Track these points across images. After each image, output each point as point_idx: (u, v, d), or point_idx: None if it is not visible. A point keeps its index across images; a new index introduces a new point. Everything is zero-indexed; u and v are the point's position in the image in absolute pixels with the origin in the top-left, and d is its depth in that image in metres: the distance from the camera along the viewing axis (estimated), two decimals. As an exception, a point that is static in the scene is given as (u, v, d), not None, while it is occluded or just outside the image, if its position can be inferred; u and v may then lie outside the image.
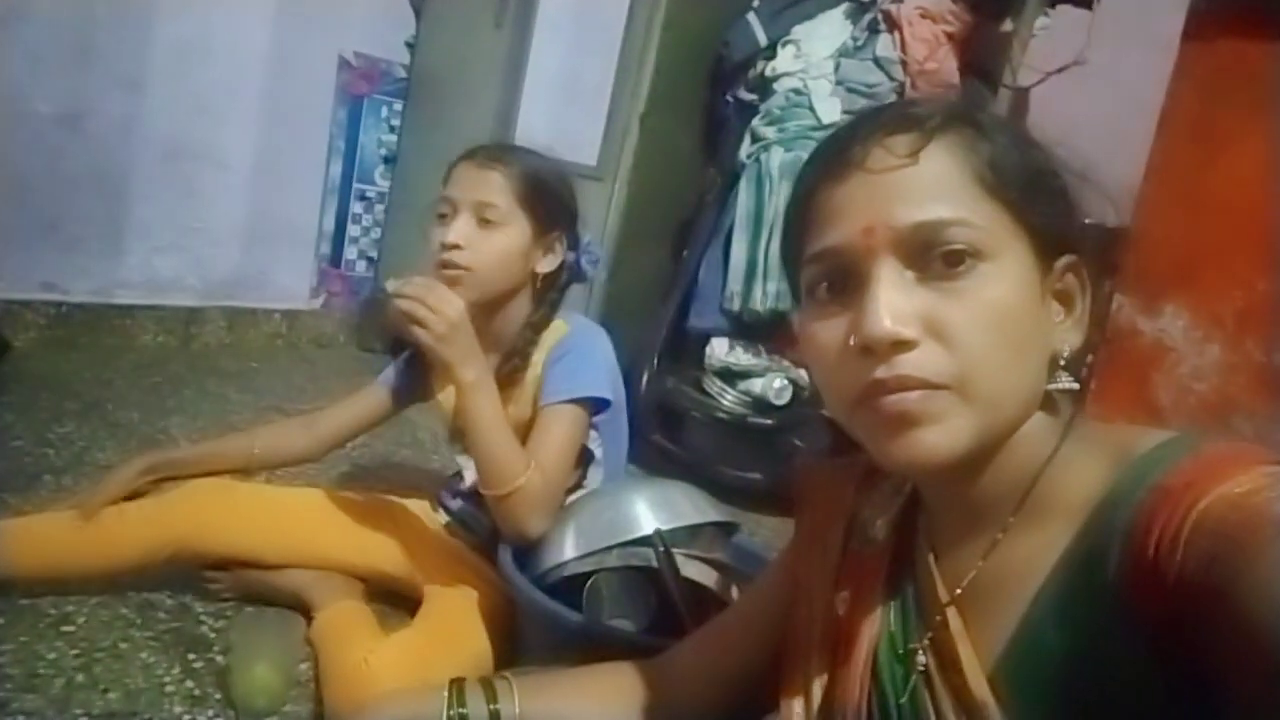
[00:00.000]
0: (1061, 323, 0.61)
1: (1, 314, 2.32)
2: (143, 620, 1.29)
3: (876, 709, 0.66)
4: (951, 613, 0.63)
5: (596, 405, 1.33)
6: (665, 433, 2.27)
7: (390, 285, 1.22)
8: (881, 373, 0.57)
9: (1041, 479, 0.60)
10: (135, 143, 2.50)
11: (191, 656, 1.24)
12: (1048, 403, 0.61)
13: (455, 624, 1.26)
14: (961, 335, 0.56)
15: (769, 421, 2.21)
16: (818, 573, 0.74)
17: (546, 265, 1.37)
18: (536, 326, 1.38)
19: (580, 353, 1.36)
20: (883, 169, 0.59)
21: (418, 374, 1.48)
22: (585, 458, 1.39)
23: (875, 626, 0.68)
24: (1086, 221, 0.62)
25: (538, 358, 1.37)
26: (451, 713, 0.81)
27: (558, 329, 1.39)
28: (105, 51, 2.38)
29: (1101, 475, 0.56)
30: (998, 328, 0.57)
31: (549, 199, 1.35)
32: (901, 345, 0.56)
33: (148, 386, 2.31)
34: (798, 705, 0.71)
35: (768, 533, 1.94)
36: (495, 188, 1.31)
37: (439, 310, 1.18)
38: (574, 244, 1.41)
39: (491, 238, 1.30)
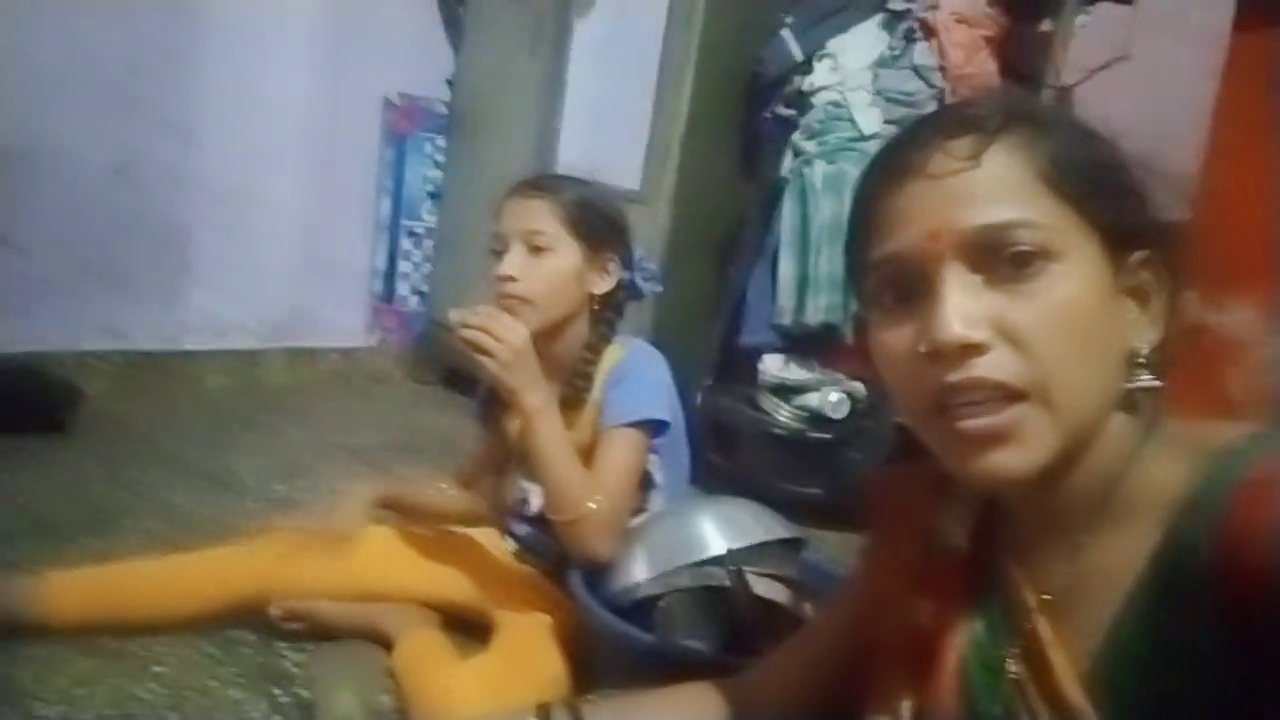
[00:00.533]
0: (1137, 319, 0.60)
1: (74, 364, 2.40)
2: (228, 658, 1.33)
3: (969, 717, 0.65)
4: (1041, 620, 0.62)
5: (656, 427, 1.35)
6: (721, 451, 2.27)
7: (454, 316, 1.25)
8: (953, 377, 0.56)
9: (1124, 479, 0.59)
10: (190, 190, 2.58)
11: (276, 691, 1.26)
12: (1127, 401, 0.60)
13: (531, 649, 1.28)
14: (1034, 337, 0.56)
15: (827, 436, 2.20)
16: (897, 584, 0.73)
17: (602, 286, 1.39)
18: (595, 348, 1.40)
19: (638, 375, 1.38)
20: (944, 173, 0.58)
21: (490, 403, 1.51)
22: (645, 481, 1.40)
23: (962, 636, 0.67)
24: (1157, 215, 0.61)
25: (597, 381, 1.39)
26: None
27: (615, 353, 1.41)
28: (156, 101, 2.46)
29: (1184, 472, 0.56)
30: (1071, 328, 0.56)
31: (595, 220, 1.38)
32: (972, 349, 0.56)
33: (215, 427, 2.37)
34: (883, 715, 0.71)
35: (831, 548, 1.92)
36: (541, 215, 1.34)
37: (503, 339, 1.21)
38: (628, 262, 1.43)
39: (543, 264, 1.33)
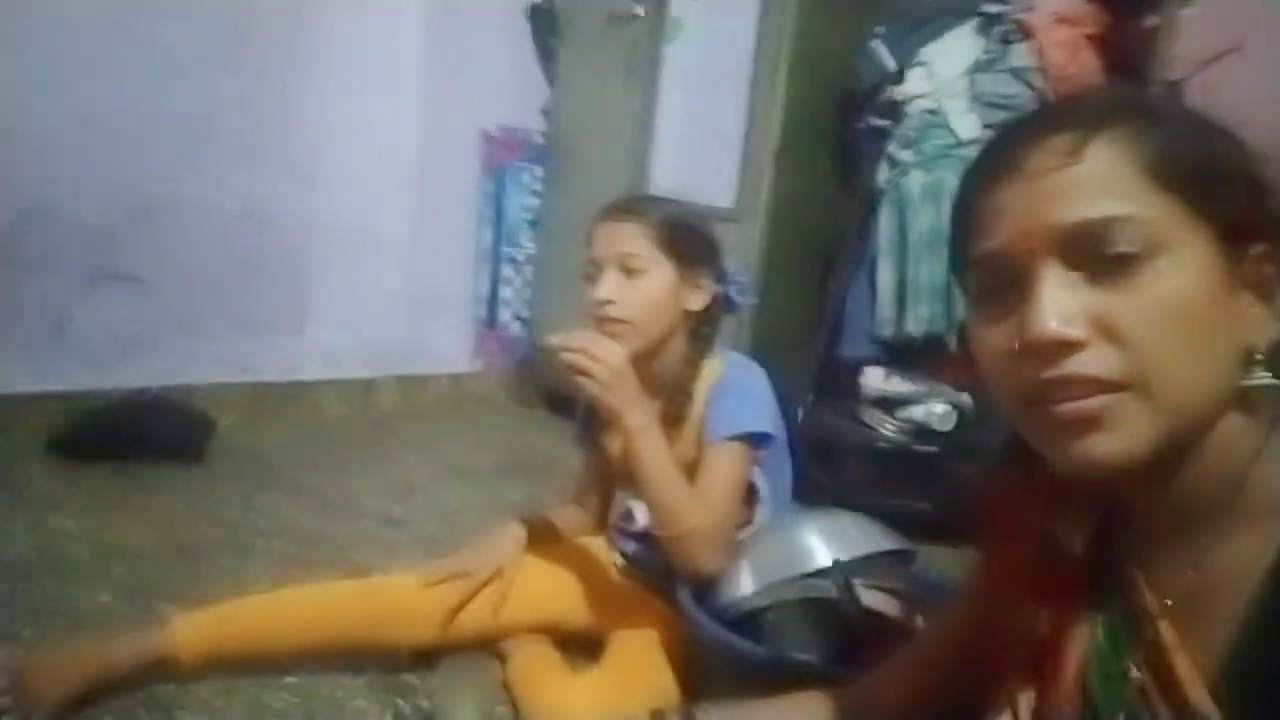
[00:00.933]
0: (1257, 315, 0.58)
1: (207, 397, 2.56)
2: (353, 669, 1.39)
3: None
4: (1164, 626, 0.60)
5: (760, 440, 1.35)
6: (825, 466, 2.25)
7: (554, 340, 1.28)
8: (1049, 374, 0.57)
9: (1247, 481, 0.57)
10: (308, 230, 2.74)
11: (400, 702, 1.32)
12: (1247, 401, 0.58)
13: (641, 663, 1.30)
14: (1135, 332, 0.55)
15: (933, 448, 2.16)
16: (1013, 591, 0.72)
17: (697, 302, 1.41)
18: (694, 363, 1.41)
19: (740, 389, 1.38)
20: (1042, 170, 0.58)
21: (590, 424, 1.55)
22: (750, 494, 1.40)
23: (1082, 643, 0.66)
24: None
25: (697, 396, 1.40)
26: None
27: (714, 367, 1.43)
28: (277, 149, 2.63)
29: None
30: (1175, 322, 0.55)
31: (686, 237, 1.39)
32: (1068, 346, 0.56)
33: (335, 454, 2.49)
34: None
35: (940, 564, 1.87)
36: (633, 237, 1.36)
37: (603, 360, 1.24)
38: (720, 277, 1.45)
39: (638, 285, 1.35)
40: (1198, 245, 0.56)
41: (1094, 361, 0.56)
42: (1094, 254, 0.56)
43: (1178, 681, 0.58)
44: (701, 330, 1.43)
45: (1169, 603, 0.61)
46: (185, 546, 1.79)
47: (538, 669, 1.33)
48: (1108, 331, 0.56)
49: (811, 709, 0.86)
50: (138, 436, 2.24)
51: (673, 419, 1.39)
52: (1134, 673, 0.62)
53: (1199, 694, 0.57)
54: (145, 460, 2.19)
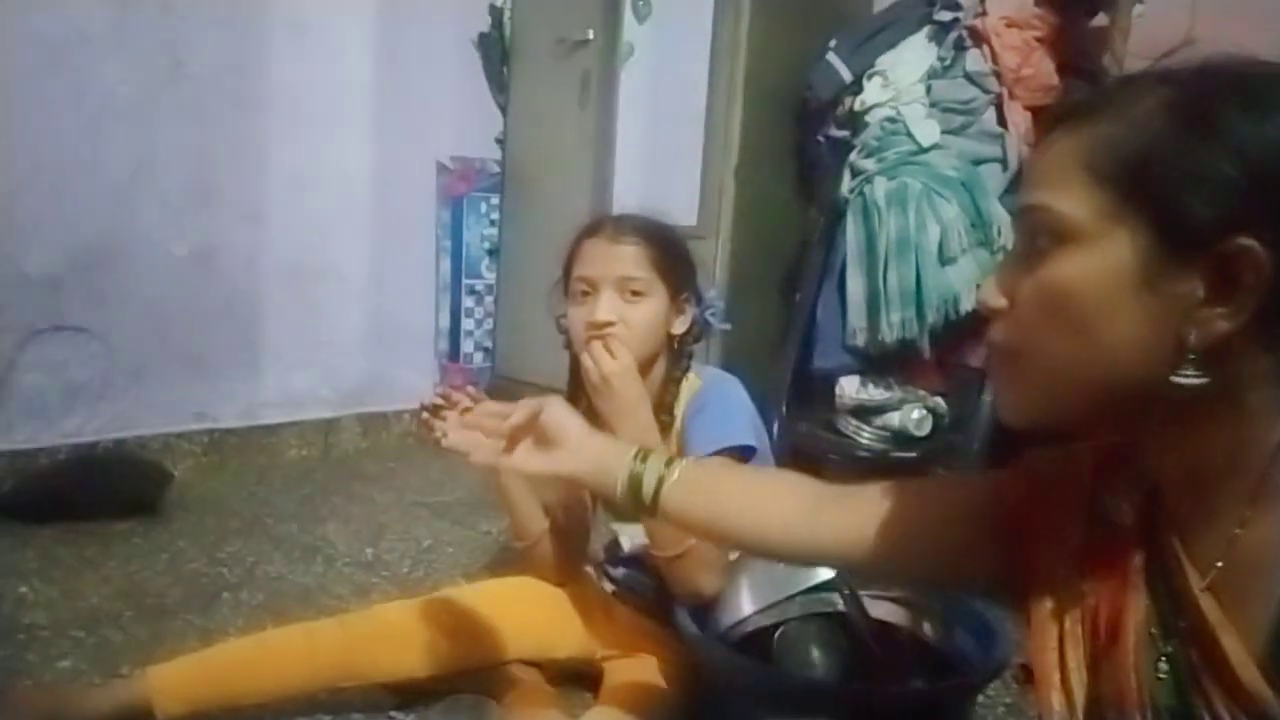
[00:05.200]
0: (1197, 310, 0.56)
1: (161, 447, 2.46)
2: (338, 721, 1.32)
3: (1144, 701, 0.62)
4: (1208, 602, 0.59)
5: (742, 453, 1.32)
6: (804, 480, 2.22)
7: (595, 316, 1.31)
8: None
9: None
10: (261, 270, 2.65)
11: (389, 754, 1.25)
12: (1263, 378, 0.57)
13: (643, 693, 1.25)
14: (1022, 309, 0.63)
15: (912, 454, 2.14)
16: (1060, 561, 0.71)
17: (680, 326, 1.39)
18: (676, 381, 1.40)
19: (718, 402, 1.37)
20: (1029, 159, 0.68)
21: None
22: None
23: (1140, 612, 0.64)
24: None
25: (677, 413, 1.38)
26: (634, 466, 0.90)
27: (692, 383, 1.41)
28: (227, 190, 2.55)
29: None
30: (1057, 305, 0.60)
31: (679, 262, 1.39)
32: (991, 313, 0.66)
33: (300, 498, 2.40)
34: (1056, 700, 0.68)
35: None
36: (635, 260, 1.33)
37: (598, 360, 1.26)
38: (698, 300, 1.43)
39: (639, 309, 1.33)
40: (1120, 237, 0.58)
41: (998, 329, 0.65)
42: (1026, 235, 0.64)
43: (1225, 658, 0.57)
44: (683, 352, 1.41)
45: (1209, 579, 0.60)
46: (147, 604, 1.70)
47: (532, 707, 1.27)
48: (1012, 305, 0.64)
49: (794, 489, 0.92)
50: (88, 492, 2.14)
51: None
52: (1179, 649, 0.61)
53: (1247, 670, 0.56)
54: (98, 517, 2.09)
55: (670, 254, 1.37)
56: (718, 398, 1.38)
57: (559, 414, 0.95)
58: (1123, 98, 0.61)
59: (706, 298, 1.46)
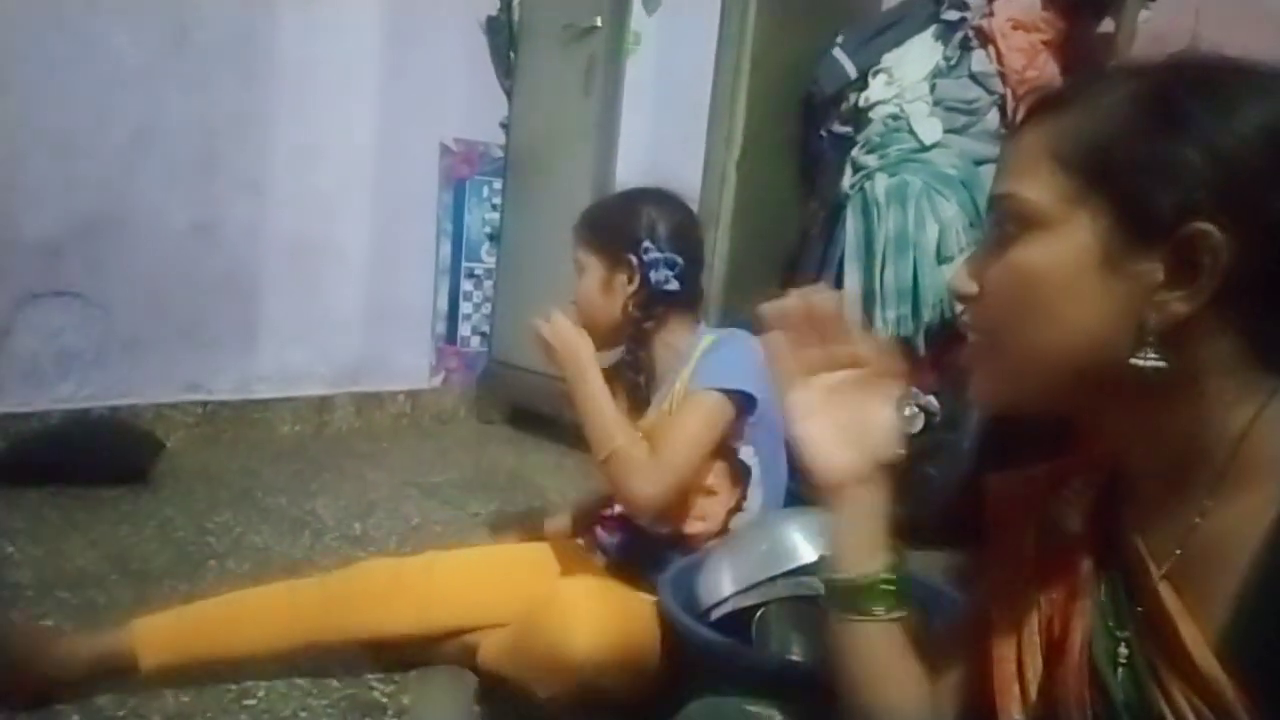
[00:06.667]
0: (1159, 294, 0.57)
1: (154, 416, 2.46)
2: (318, 690, 1.33)
3: (1100, 700, 0.63)
4: (1167, 592, 0.60)
5: (743, 401, 1.34)
6: (794, 476, 2.22)
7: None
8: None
9: (1245, 444, 0.58)
10: (261, 244, 2.65)
11: (368, 721, 1.26)
12: (1231, 364, 0.58)
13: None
14: (991, 293, 0.65)
15: (901, 451, 2.14)
16: (1016, 579, 0.71)
17: (629, 286, 1.43)
18: (639, 337, 1.46)
19: (728, 350, 1.39)
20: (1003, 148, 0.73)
21: None
22: (742, 473, 1.39)
23: (1086, 618, 0.65)
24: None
25: (690, 366, 1.40)
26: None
27: (708, 339, 1.44)
28: (231, 162, 2.55)
29: None
30: (1022, 288, 0.62)
31: (603, 228, 1.47)
32: (963, 298, 0.68)
33: (290, 473, 2.40)
34: (1015, 709, 0.68)
35: (914, 565, 1.87)
36: (575, 246, 1.48)
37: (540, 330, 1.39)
38: (646, 253, 1.44)
39: (579, 286, 1.47)
40: (1081, 223, 0.59)
41: (970, 312, 0.67)
42: (996, 223, 0.65)
43: (1183, 647, 0.58)
44: (648, 307, 1.43)
45: (1166, 568, 0.61)
46: (132, 569, 1.71)
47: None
48: (982, 291, 0.65)
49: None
50: (79, 458, 2.14)
51: (637, 391, 1.47)
52: (1135, 641, 0.62)
53: (1206, 659, 0.56)
54: (88, 483, 2.09)
55: (596, 223, 1.48)
56: (728, 345, 1.40)
57: None
58: (1092, 90, 0.62)
59: (642, 247, 1.44)
